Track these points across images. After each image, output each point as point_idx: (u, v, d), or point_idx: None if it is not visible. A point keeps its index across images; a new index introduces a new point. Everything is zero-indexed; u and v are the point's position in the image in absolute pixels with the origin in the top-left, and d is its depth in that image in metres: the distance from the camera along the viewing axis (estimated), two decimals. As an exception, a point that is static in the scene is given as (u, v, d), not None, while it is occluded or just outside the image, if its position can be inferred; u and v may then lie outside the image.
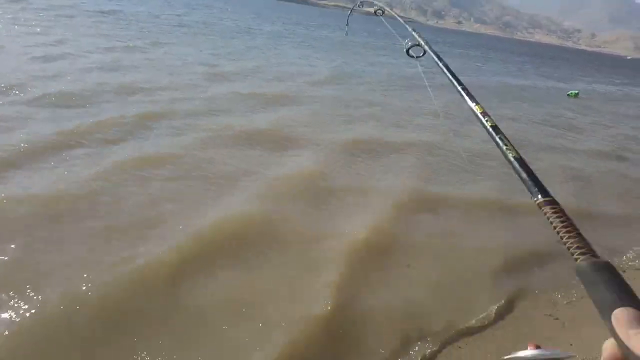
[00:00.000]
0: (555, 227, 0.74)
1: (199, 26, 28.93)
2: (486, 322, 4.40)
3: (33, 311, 3.56)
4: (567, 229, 0.71)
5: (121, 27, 21.59)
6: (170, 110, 9.50)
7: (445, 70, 1.65)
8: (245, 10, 67.82)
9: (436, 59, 1.63)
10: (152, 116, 8.77)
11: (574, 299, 4.91)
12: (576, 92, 24.70)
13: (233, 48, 21.40)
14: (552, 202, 0.79)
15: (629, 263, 6.08)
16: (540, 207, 0.79)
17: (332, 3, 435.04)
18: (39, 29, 16.79)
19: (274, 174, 6.95)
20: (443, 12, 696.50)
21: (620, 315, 0.55)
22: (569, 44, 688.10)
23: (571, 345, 4.26)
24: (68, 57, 13.11)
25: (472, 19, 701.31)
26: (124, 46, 16.52)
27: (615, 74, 61.79)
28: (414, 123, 11.70)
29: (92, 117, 8.17)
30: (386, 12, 4.15)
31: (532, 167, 0.83)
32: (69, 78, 10.76)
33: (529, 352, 0.95)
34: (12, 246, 4.36)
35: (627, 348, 0.56)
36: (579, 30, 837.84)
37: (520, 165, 0.83)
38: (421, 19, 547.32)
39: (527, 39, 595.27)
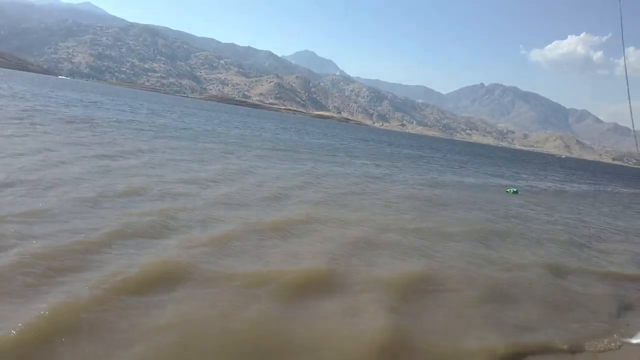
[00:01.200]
0: None
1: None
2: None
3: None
4: None
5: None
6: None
7: None
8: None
9: None
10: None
11: None
12: (515, 189, 26.57)
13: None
14: None
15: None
16: None
17: (284, 107, 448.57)
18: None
19: None
20: (387, 116, 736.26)
21: None
22: (504, 143, 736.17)
23: None
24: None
25: (414, 122, 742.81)
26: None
27: (551, 171, 68.76)
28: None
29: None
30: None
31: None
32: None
33: None
34: None
35: None
36: (512, 132, 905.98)
37: None
38: (368, 122, 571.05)
39: (466, 140, 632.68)
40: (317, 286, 7.51)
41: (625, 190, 50.55)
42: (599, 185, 51.30)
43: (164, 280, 6.73)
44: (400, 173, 28.33)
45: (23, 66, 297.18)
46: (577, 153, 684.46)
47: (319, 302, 6.97)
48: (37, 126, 21.18)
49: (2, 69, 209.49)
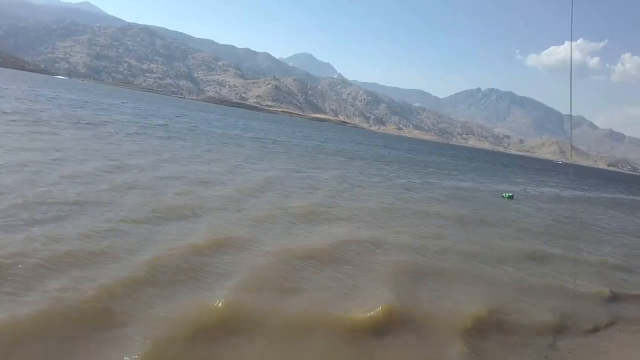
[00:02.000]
0: None
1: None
2: None
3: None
4: None
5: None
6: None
7: None
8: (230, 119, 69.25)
9: None
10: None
11: None
12: (510, 194, 27.00)
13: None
14: None
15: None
16: None
17: (281, 110, 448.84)
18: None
19: None
20: (384, 119, 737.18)
21: None
22: (500, 148, 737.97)
23: None
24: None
25: (410, 126, 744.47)
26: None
27: (547, 177, 66.32)
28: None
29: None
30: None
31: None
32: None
33: None
34: None
35: None
36: (508, 136, 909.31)
37: None
38: (365, 125, 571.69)
39: (462, 144, 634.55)
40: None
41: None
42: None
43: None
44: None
45: (20, 65, 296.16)
46: (572, 158, 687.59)
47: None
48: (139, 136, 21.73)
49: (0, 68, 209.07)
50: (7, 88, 54.30)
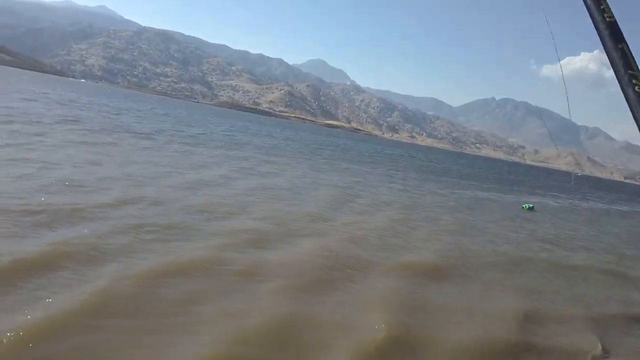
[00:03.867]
0: None
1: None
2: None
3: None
4: None
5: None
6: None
7: None
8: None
9: None
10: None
11: None
12: (531, 205, 26.42)
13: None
14: None
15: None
16: None
17: (294, 115, 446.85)
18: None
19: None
20: (397, 127, 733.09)
21: None
22: (515, 158, 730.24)
23: None
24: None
25: (424, 134, 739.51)
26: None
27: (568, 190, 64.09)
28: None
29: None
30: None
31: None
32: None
33: None
34: None
35: None
36: (523, 147, 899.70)
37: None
38: (377, 132, 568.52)
39: (476, 153, 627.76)
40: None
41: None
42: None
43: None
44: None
45: (37, 67, 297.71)
46: (588, 170, 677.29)
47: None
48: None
49: (17, 69, 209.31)
50: (46, 93, 52.25)
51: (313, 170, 24.14)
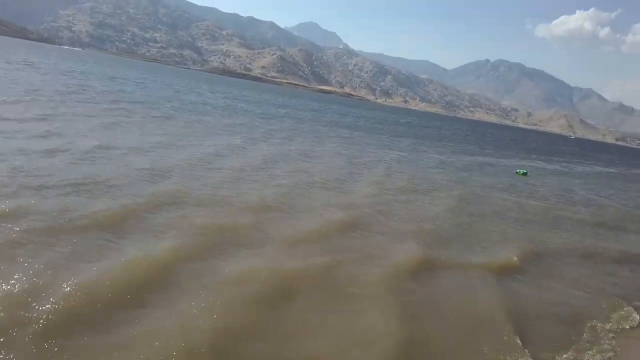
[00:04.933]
0: None
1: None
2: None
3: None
4: None
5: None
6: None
7: None
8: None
9: None
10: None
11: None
12: (524, 170, 26.99)
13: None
14: None
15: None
16: None
17: (286, 81, 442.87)
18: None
19: None
20: (390, 91, 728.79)
21: None
22: (508, 122, 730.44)
23: None
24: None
25: (417, 98, 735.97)
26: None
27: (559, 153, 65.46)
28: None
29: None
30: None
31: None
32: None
33: None
34: None
35: None
36: (516, 109, 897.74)
37: None
38: (371, 97, 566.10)
39: (469, 117, 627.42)
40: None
41: None
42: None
43: None
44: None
45: (23, 34, 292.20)
46: (580, 132, 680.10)
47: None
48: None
49: (2, 37, 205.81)
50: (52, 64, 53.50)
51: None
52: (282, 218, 11.20)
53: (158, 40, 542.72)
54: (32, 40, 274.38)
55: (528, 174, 27.62)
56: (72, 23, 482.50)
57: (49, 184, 10.32)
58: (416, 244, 10.71)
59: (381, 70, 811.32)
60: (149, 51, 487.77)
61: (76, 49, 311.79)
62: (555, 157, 54.66)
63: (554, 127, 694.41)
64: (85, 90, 33.13)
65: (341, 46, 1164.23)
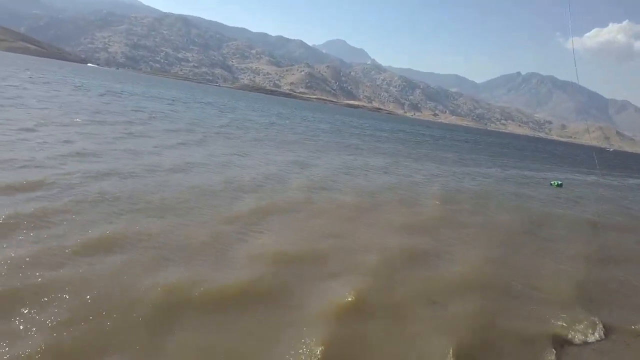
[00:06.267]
0: None
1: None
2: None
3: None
4: None
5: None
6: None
7: None
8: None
9: None
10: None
11: None
12: (559, 182, 26.85)
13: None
14: None
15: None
16: None
17: (315, 97, 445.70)
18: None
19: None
20: (419, 105, 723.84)
21: None
22: (542, 134, 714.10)
23: None
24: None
25: (447, 112, 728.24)
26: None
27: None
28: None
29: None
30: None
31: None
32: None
33: None
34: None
35: None
36: (549, 122, 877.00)
37: None
38: (399, 111, 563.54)
39: (501, 130, 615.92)
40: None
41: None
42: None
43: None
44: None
45: (61, 55, 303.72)
46: (617, 145, 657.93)
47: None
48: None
49: (41, 58, 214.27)
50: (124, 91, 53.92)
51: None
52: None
53: (190, 59, 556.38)
54: (69, 61, 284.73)
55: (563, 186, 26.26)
56: (108, 44, 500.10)
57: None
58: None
59: (409, 84, 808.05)
60: (181, 70, 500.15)
61: (111, 68, 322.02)
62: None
63: (590, 140, 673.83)
64: (167, 116, 32.12)
65: (369, 62, 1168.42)
